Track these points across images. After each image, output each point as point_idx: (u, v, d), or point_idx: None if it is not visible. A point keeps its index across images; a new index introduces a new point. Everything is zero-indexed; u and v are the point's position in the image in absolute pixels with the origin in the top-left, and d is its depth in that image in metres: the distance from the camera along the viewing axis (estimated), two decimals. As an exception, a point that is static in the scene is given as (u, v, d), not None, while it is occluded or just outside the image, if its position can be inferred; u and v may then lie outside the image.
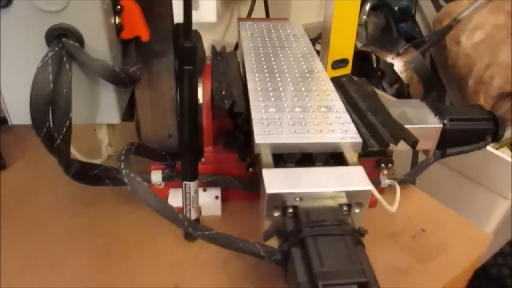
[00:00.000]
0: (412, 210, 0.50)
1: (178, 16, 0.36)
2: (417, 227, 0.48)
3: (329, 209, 0.32)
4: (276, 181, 0.33)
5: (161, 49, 0.42)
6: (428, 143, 0.52)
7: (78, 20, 0.33)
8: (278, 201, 0.32)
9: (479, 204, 0.68)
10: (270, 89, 0.43)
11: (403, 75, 0.72)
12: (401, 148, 0.50)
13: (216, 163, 0.47)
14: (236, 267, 0.42)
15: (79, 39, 0.34)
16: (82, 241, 0.45)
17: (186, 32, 0.33)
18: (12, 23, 0.32)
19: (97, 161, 0.45)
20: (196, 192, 0.41)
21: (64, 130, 0.32)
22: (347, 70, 0.66)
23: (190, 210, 0.41)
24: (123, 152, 0.35)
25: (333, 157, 0.37)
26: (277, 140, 0.36)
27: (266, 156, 0.36)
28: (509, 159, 0.62)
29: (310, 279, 0.27)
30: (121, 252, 0.43)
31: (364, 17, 0.83)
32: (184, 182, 0.40)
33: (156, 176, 0.46)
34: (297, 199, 0.32)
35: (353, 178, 0.34)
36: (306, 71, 0.47)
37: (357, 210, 0.34)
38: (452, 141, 0.52)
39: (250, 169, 0.46)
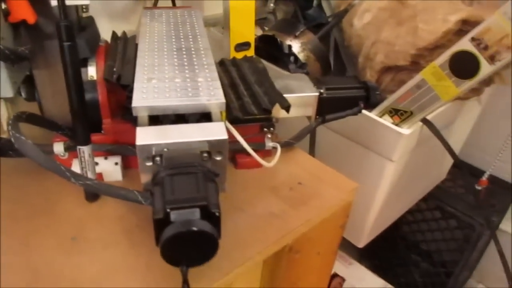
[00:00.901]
0: (293, 168, 0.58)
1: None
2: (295, 181, 0.55)
3: (190, 155, 0.39)
4: (147, 135, 0.39)
5: (52, 31, 0.47)
6: (308, 110, 0.59)
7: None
8: (149, 152, 0.38)
9: (371, 167, 0.77)
10: (156, 64, 0.49)
11: (300, 55, 0.80)
12: (283, 116, 0.57)
13: (115, 133, 0.53)
14: (131, 220, 0.48)
15: (-35, 21, 0.38)
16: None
17: (61, 12, 0.38)
18: None
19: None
20: (91, 156, 0.46)
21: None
22: (251, 52, 0.72)
23: (86, 172, 0.47)
24: (13, 118, 0.40)
25: (204, 117, 0.44)
26: (151, 103, 0.42)
27: (142, 118, 0.41)
28: (390, 124, 0.72)
29: (162, 207, 0.34)
30: (26, 215, 0.47)
31: (272, 5, 0.90)
32: (78, 147, 0.45)
33: (58, 147, 0.51)
34: (165, 149, 0.39)
35: (213, 131, 0.40)
36: (193, 49, 0.53)
37: (218, 158, 0.40)
38: (329, 108, 0.60)
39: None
